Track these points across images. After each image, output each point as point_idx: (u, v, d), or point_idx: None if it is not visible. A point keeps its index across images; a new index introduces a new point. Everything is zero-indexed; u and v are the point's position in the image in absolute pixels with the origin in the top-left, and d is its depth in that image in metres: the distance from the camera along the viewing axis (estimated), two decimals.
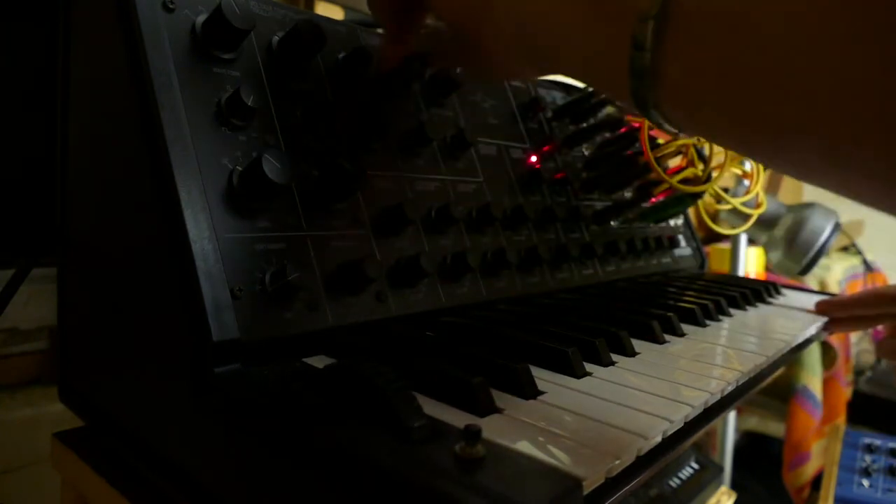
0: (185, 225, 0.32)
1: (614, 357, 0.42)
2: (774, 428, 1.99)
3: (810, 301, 0.67)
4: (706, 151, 0.67)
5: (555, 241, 0.58)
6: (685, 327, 0.51)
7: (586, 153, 0.70)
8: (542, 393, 0.34)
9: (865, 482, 1.29)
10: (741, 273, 1.53)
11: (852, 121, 0.21)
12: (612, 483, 0.27)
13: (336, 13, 0.92)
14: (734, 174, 0.77)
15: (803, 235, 1.74)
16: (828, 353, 1.67)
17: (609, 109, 0.73)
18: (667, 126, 0.29)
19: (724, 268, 1.61)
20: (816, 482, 1.49)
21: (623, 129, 0.70)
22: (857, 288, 1.97)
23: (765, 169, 0.68)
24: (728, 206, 0.72)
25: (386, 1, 0.41)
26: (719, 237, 1.70)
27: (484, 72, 0.45)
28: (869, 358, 2.14)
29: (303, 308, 0.36)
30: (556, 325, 0.44)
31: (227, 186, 0.35)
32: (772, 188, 2.64)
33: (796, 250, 1.48)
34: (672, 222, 0.81)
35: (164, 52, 0.35)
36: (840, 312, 0.63)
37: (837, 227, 1.77)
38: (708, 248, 1.64)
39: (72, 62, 0.44)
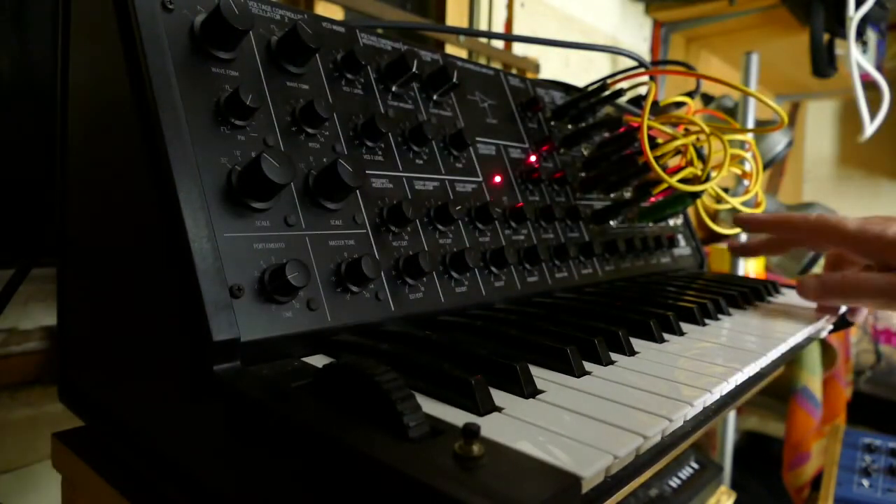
0: (184, 224, 0.32)
1: (613, 356, 0.42)
2: (774, 428, 1.99)
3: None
4: (705, 151, 0.67)
5: (554, 241, 0.58)
6: (685, 326, 0.51)
7: (585, 153, 0.70)
8: (541, 392, 0.34)
9: (865, 482, 1.29)
10: (741, 273, 1.53)
11: None
12: (612, 482, 0.27)
13: (336, 13, 0.92)
14: (734, 174, 0.77)
15: None
16: (828, 353, 1.67)
17: (608, 109, 0.73)
18: None
19: (723, 267, 1.61)
20: (816, 482, 1.49)
21: (622, 129, 0.70)
22: None
23: None
24: (728, 206, 0.72)
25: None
26: (719, 237, 1.70)
27: None
28: (869, 358, 2.14)
29: (302, 307, 0.36)
30: (555, 325, 0.44)
31: (226, 186, 0.35)
32: (771, 188, 2.64)
33: (796, 250, 1.49)
34: (671, 222, 0.81)
35: (162, 52, 0.35)
36: (755, 229, 0.67)
37: None
38: (707, 248, 1.64)
39: (71, 62, 0.44)
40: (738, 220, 0.68)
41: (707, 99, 1.69)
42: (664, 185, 0.68)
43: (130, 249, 0.38)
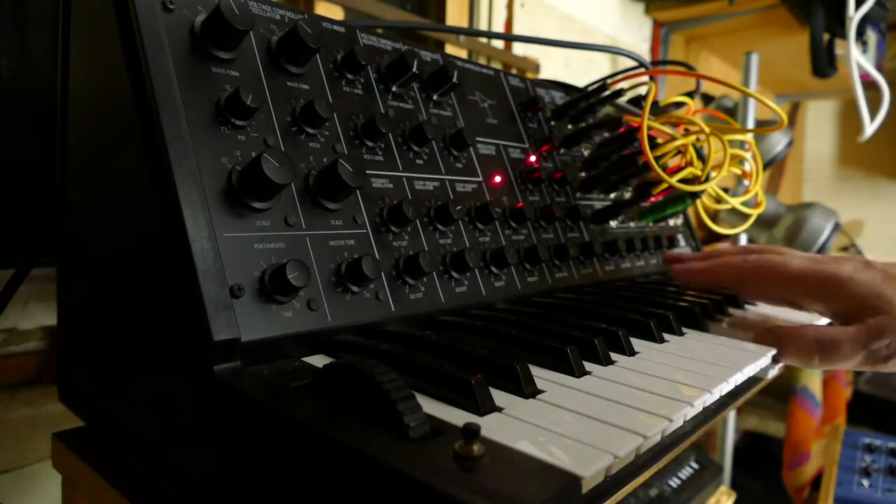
0: (184, 224, 0.32)
1: (613, 356, 0.42)
2: (774, 428, 1.99)
3: None
4: (705, 151, 0.67)
5: (554, 241, 0.58)
6: (685, 326, 0.51)
7: (585, 153, 0.70)
8: (541, 392, 0.34)
9: (865, 482, 1.29)
10: None
11: None
12: (612, 482, 0.27)
13: (336, 13, 0.92)
14: (734, 174, 0.77)
15: (803, 235, 1.74)
16: None
17: (608, 109, 0.73)
18: None
19: None
20: (816, 482, 1.49)
21: (622, 129, 0.70)
22: None
23: None
24: (727, 206, 0.72)
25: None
26: (719, 237, 1.70)
27: None
28: None
29: (302, 307, 0.36)
30: (556, 325, 0.44)
31: (226, 186, 0.35)
32: (772, 188, 2.64)
33: (796, 250, 1.49)
34: (671, 222, 0.81)
35: (163, 52, 0.35)
36: (689, 277, 0.59)
37: (837, 226, 1.77)
38: (708, 249, 1.64)
39: (71, 62, 0.44)
40: (669, 262, 0.61)
41: (707, 99, 1.69)
42: (664, 185, 0.68)
43: (130, 249, 0.38)
